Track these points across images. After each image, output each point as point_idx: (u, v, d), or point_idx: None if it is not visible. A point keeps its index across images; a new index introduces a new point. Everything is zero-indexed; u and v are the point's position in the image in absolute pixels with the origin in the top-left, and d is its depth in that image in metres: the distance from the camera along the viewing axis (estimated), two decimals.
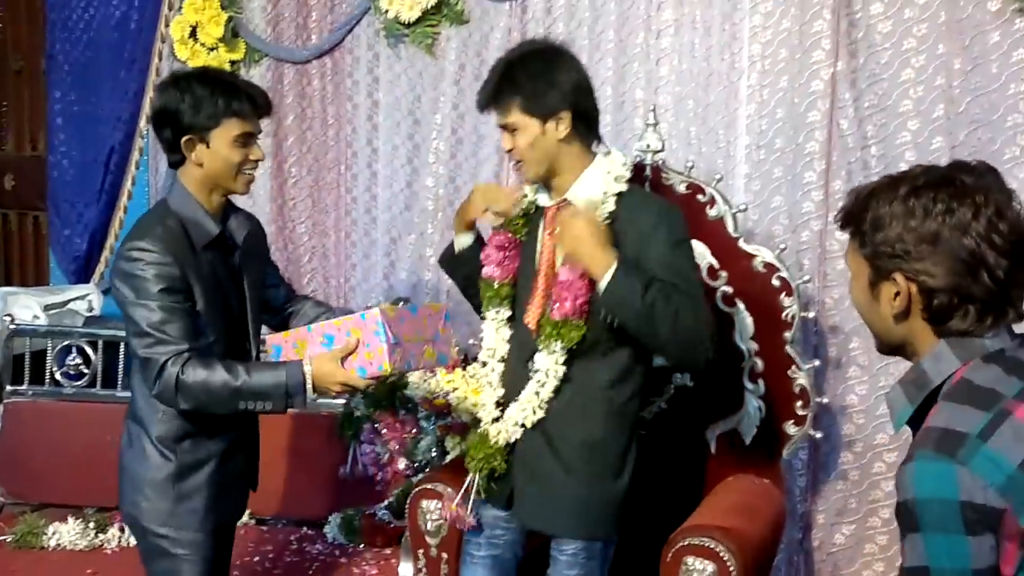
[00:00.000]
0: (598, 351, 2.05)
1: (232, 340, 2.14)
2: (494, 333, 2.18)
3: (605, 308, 1.95)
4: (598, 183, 2.03)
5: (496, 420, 2.13)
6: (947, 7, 2.71)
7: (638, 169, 2.68)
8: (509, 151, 2.08)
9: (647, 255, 1.97)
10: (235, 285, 2.17)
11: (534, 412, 2.07)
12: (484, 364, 2.21)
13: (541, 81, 1.99)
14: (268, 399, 2.00)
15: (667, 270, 1.95)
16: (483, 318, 2.22)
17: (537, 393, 2.06)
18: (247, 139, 2.09)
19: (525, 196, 2.16)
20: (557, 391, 2.06)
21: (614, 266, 1.91)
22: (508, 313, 2.17)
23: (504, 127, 2.06)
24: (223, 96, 2.05)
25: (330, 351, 2.00)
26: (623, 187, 2.04)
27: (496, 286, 2.16)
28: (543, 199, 2.14)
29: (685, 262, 2.02)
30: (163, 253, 1.99)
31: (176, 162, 2.12)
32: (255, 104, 2.11)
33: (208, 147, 2.07)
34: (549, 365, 2.04)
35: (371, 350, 1.97)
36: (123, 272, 2.02)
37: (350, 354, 1.98)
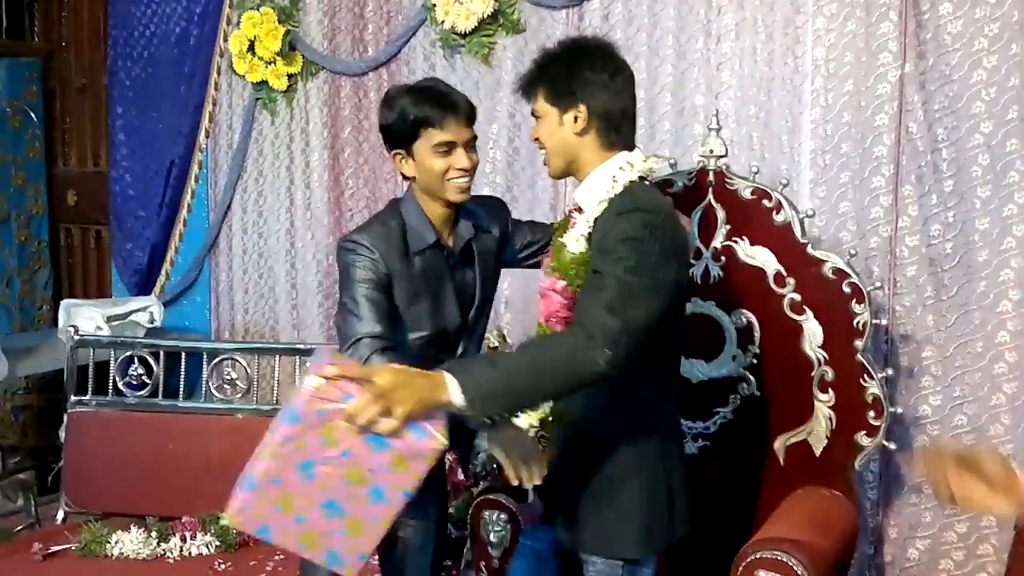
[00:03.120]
0: None
1: (441, 339, 2.18)
2: None
3: (483, 415, 1.71)
4: (601, 186, 1.97)
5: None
6: (1020, 6, 2.63)
7: (701, 175, 2.64)
8: (535, 140, 2.07)
9: (599, 254, 1.88)
10: (451, 289, 2.19)
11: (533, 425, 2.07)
12: None
13: (565, 72, 1.98)
14: None
15: (600, 262, 1.85)
16: None
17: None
18: (449, 147, 2.09)
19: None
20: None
21: (445, 375, 1.66)
22: None
23: (533, 114, 2.06)
24: (420, 107, 2.08)
25: None
26: (619, 188, 1.95)
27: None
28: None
29: (622, 258, 1.80)
30: (371, 250, 2.07)
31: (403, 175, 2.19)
32: (456, 109, 2.10)
33: (414, 159, 2.12)
34: None
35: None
36: (339, 259, 2.12)
37: None
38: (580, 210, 2.02)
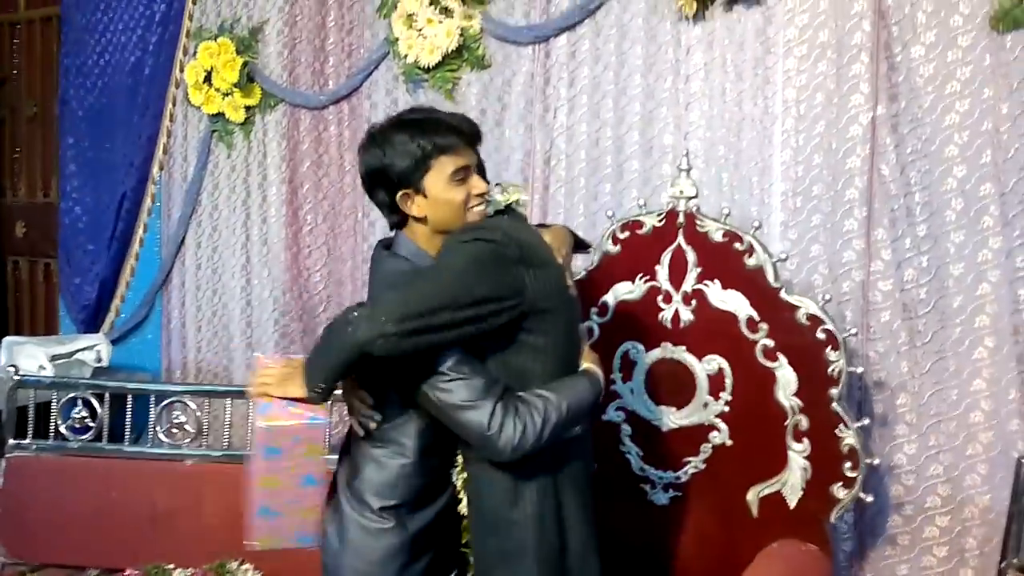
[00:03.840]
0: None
1: None
2: None
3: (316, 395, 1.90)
4: None
5: None
6: (992, 49, 2.60)
7: (671, 216, 2.57)
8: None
9: None
10: None
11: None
12: None
13: None
14: None
15: None
16: None
17: None
18: (464, 173, 1.92)
19: None
20: None
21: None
22: None
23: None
24: (424, 136, 1.90)
25: None
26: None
27: None
28: None
29: (424, 277, 1.88)
30: None
31: (397, 223, 1.99)
32: (461, 133, 1.93)
33: (426, 197, 1.92)
34: None
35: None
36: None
37: None
38: None
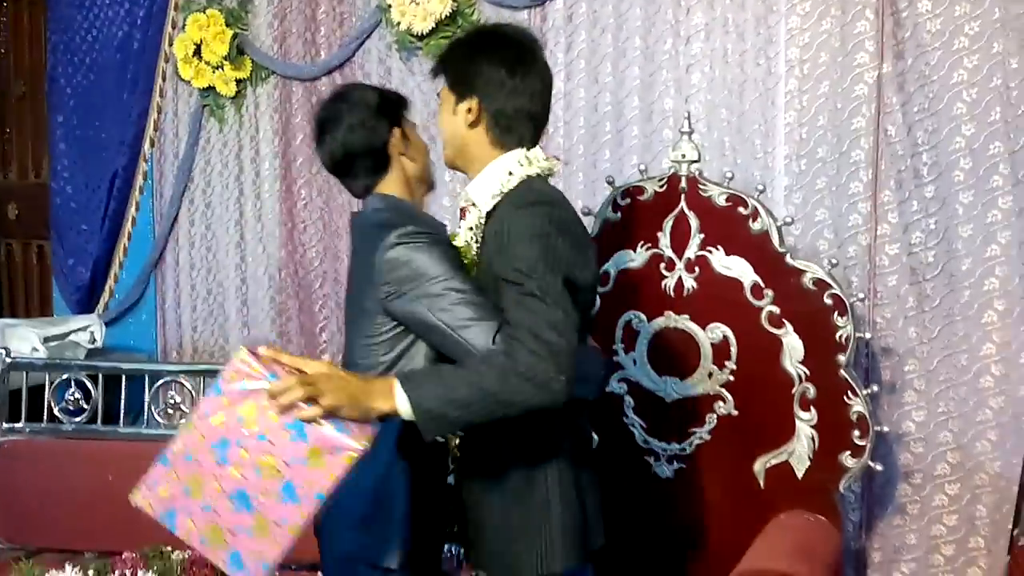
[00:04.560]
0: None
1: None
2: None
3: (430, 435, 1.62)
4: (494, 180, 1.80)
5: None
6: (1001, 3, 2.52)
7: (673, 180, 2.50)
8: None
9: (501, 253, 1.69)
10: None
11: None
12: None
13: (465, 61, 1.82)
14: None
15: (513, 271, 1.65)
16: None
17: None
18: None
19: None
20: None
21: (395, 384, 1.57)
22: None
23: (439, 95, 1.92)
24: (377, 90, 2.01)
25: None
26: (514, 182, 1.78)
27: None
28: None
29: (535, 257, 1.64)
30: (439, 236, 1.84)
31: (367, 186, 1.95)
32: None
33: (408, 139, 1.99)
34: None
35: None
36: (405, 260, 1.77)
37: None
38: (473, 204, 1.84)
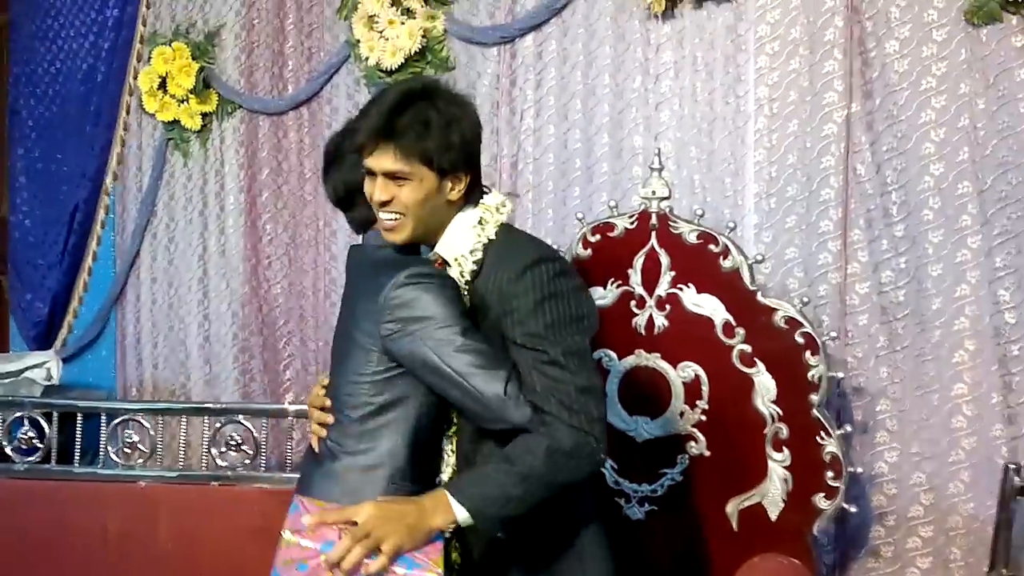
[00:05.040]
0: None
1: None
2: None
3: (487, 534, 1.67)
4: (466, 237, 1.76)
5: None
6: (968, 44, 2.54)
7: (643, 217, 2.47)
8: (384, 204, 1.74)
9: (509, 315, 1.68)
10: None
11: None
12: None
13: (451, 131, 1.71)
14: None
15: (528, 336, 1.66)
16: None
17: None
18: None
19: None
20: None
21: (448, 497, 1.59)
22: None
23: (388, 174, 1.72)
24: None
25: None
26: (490, 235, 1.76)
27: None
28: None
29: (551, 321, 1.66)
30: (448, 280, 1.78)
31: (369, 220, 1.91)
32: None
33: None
34: None
35: None
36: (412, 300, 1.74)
37: None
38: (445, 263, 1.80)
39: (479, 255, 1.75)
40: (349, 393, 1.81)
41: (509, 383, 1.65)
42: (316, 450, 1.90)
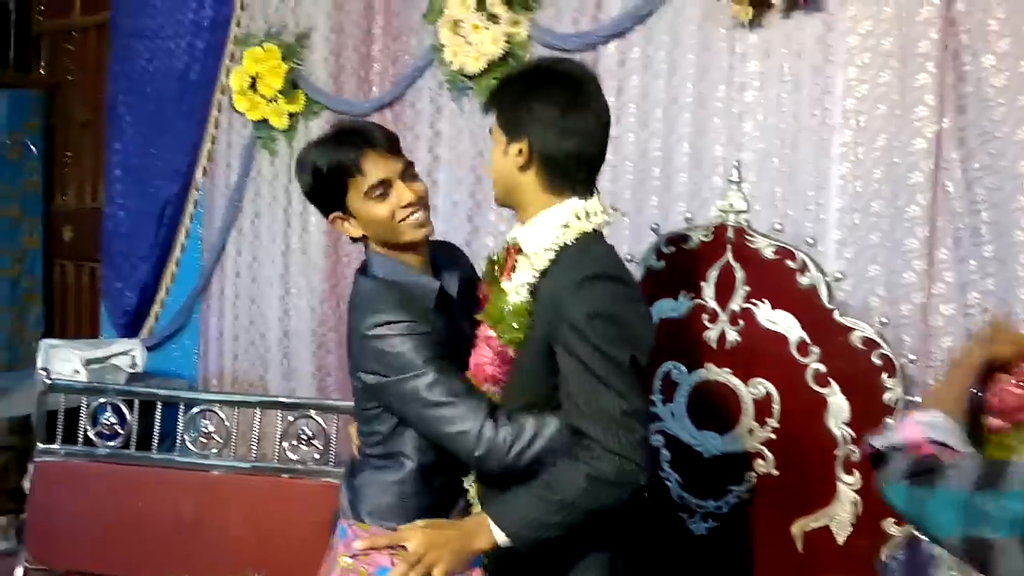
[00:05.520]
0: None
1: None
2: None
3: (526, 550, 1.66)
4: (548, 232, 1.73)
5: None
6: None
7: (719, 230, 2.43)
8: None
9: (559, 322, 1.65)
10: (460, 340, 1.89)
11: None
12: None
13: (520, 100, 1.73)
14: None
15: (576, 349, 1.63)
16: None
17: None
18: (383, 187, 1.82)
19: None
20: None
21: (489, 521, 1.63)
22: None
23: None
24: (332, 155, 1.83)
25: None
26: (569, 240, 1.72)
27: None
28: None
29: (600, 339, 1.62)
30: (410, 320, 1.76)
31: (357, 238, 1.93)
32: (372, 146, 1.83)
33: (354, 217, 1.86)
34: None
35: None
36: (379, 347, 1.76)
37: None
38: (520, 251, 1.77)
39: (552, 255, 1.72)
40: (363, 421, 1.91)
41: (484, 428, 1.67)
42: (354, 467, 1.98)
